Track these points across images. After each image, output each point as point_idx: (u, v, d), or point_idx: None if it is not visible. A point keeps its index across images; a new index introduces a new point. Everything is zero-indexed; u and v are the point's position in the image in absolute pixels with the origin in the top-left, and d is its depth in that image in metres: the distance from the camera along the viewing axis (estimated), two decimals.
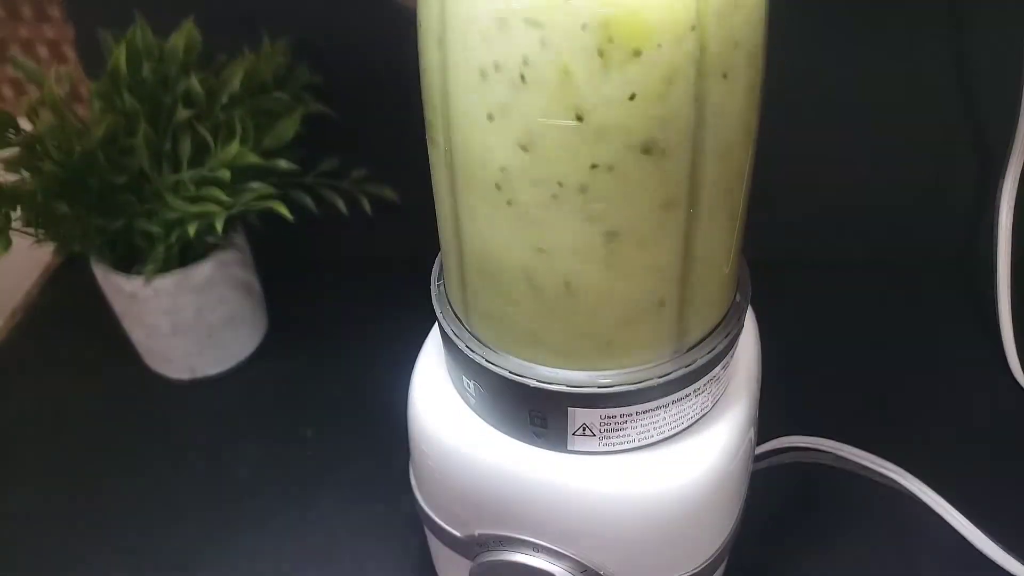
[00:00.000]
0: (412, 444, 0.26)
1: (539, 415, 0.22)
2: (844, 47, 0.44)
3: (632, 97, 0.17)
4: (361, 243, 0.53)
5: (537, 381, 0.21)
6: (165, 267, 0.42)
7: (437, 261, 0.25)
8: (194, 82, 0.39)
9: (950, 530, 0.37)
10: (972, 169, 0.48)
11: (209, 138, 0.39)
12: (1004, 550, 0.35)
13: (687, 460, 0.23)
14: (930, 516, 0.37)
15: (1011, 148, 0.43)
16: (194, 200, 0.39)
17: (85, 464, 0.43)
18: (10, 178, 0.38)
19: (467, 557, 0.26)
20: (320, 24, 0.45)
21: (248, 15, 0.44)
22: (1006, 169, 0.43)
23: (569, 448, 0.23)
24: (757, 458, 0.29)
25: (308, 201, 0.46)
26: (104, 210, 0.39)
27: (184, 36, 0.39)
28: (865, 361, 0.46)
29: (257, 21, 0.44)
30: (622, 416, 0.22)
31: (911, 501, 0.38)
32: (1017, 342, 0.44)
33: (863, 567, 0.36)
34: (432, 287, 0.24)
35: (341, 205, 0.47)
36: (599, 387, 0.21)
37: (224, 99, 0.40)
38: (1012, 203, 0.44)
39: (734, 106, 0.18)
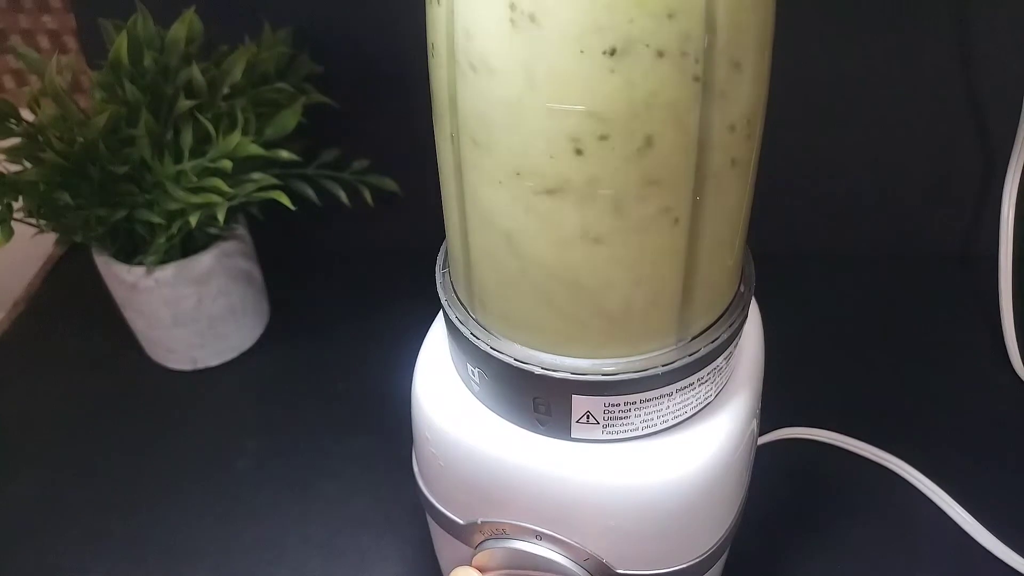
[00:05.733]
0: (415, 431, 0.26)
1: (543, 402, 0.22)
2: (850, 43, 0.44)
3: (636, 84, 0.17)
4: (363, 233, 0.53)
5: (541, 368, 0.21)
6: (166, 257, 0.42)
7: (442, 249, 0.25)
8: (196, 72, 0.39)
9: (950, 522, 0.37)
10: (976, 164, 0.48)
11: (211, 128, 0.39)
12: (1002, 542, 0.35)
13: (690, 450, 0.23)
14: (930, 508, 0.37)
15: (1015, 144, 0.43)
16: (196, 190, 0.39)
17: (87, 455, 0.43)
18: (12, 168, 0.38)
19: (469, 545, 0.26)
20: (321, 14, 0.45)
21: (249, 5, 0.44)
22: (1010, 164, 0.43)
23: (572, 436, 0.23)
24: (759, 449, 0.29)
25: (310, 192, 0.46)
26: (106, 200, 0.39)
27: (185, 26, 0.39)
28: (868, 354, 0.46)
29: (258, 11, 0.44)
30: (625, 404, 0.22)
31: (912, 493, 0.38)
32: (1018, 336, 0.44)
33: (864, 558, 0.36)
34: (437, 274, 0.24)
35: (343, 196, 0.47)
36: (603, 374, 0.21)
37: (226, 89, 0.40)
38: (1015, 198, 0.44)
39: (741, 85, 0.18)
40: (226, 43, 0.43)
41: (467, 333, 0.23)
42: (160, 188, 0.39)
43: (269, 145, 0.41)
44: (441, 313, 0.24)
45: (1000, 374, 0.44)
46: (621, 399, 0.22)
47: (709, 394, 0.24)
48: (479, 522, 0.25)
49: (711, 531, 0.26)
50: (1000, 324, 0.45)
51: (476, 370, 0.23)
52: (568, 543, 0.24)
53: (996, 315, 0.45)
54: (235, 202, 0.40)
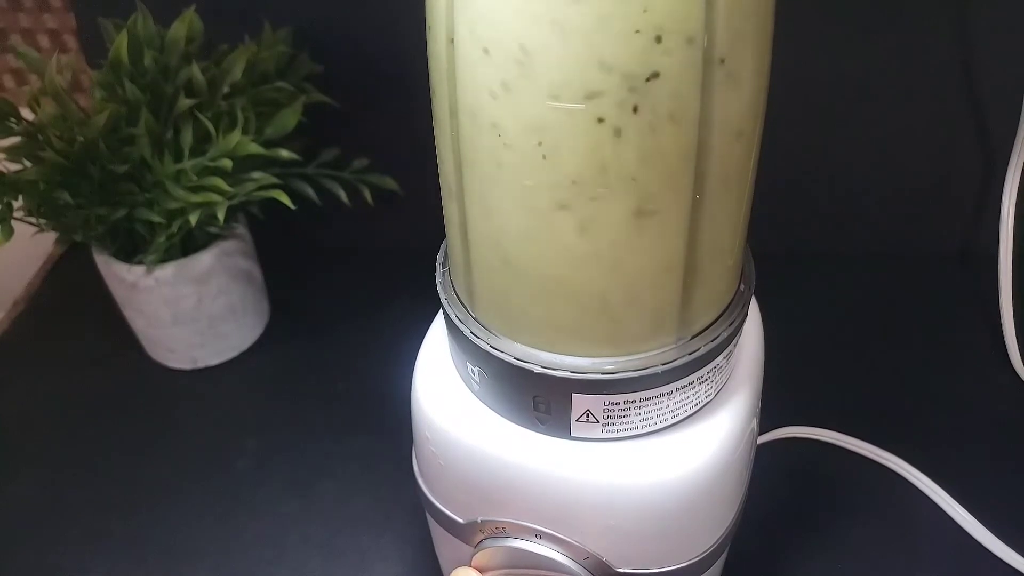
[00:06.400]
0: (415, 430, 0.26)
1: (542, 401, 0.22)
2: (850, 43, 0.44)
3: (650, 77, 0.17)
4: (363, 233, 0.53)
5: (541, 367, 0.21)
6: (166, 257, 0.42)
7: (442, 248, 0.25)
8: (196, 71, 0.39)
9: (950, 521, 0.37)
10: (976, 163, 0.48)
11: (211, 127, 0.39)
12: (1002, 541, 0.36)
13: (689, 449, 0.23)
14: (930, 507, 0.37)
15: (1015, 144, 0.43)
16: (196, 189, 0.39)
17: (87, 454, 0.43)
18: (12, 167, 0.38)
19: (469, 543, 0.26)
20: (321, 14, 0.45)
21: (249, 4, 0.44)
22: (1010, 164, 0.43)
23: (572, 435, 0.23)
24: (759, 448, 0.29)
25: (310, 191, 0.46)
26: (106, 199, 0.39)
27: (185, 25, 0.39)
28: (868, 353, 0.46)
29: (258, 10, 0.44)
30: (625, 403, 0.22)
31: (912, 492, 0.38)
32: (1018, 336, 0.44)
33: (864, 557, 0.36)
34: (437, 273, 0.24)
35: (343, 195, 0.47)
36: (602, 373, 0.21)
37: (226, 88, 0.40)
38: (1015, 198, 0.44)
39: (741, 84, 0.18)
40: (226, 42, 0.43)
41: (467, 332, 0.23)
42: (160, 187, 0.39)
43: (269, 144, 0.41)
44: (441, 312, 0.24)
45: (1000, 374, 0.44)
46: (621, 398, 0.22)
47: (709, 393, 0.24)
48: (479, 521, 0.25)
49: (711, 530, 0.26)
50: (1000, 324, 0.45)
51: (476, 369, 0.23)
52: (568, 542, 0.24)
53: (996, 315, 0.45)
54: (235, 201, 0.40)
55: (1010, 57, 0.44)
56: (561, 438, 0.23)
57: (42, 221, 0.39)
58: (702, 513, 0.25)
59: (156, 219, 0.39)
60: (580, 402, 0.22)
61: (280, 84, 0.42)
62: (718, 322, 0.23)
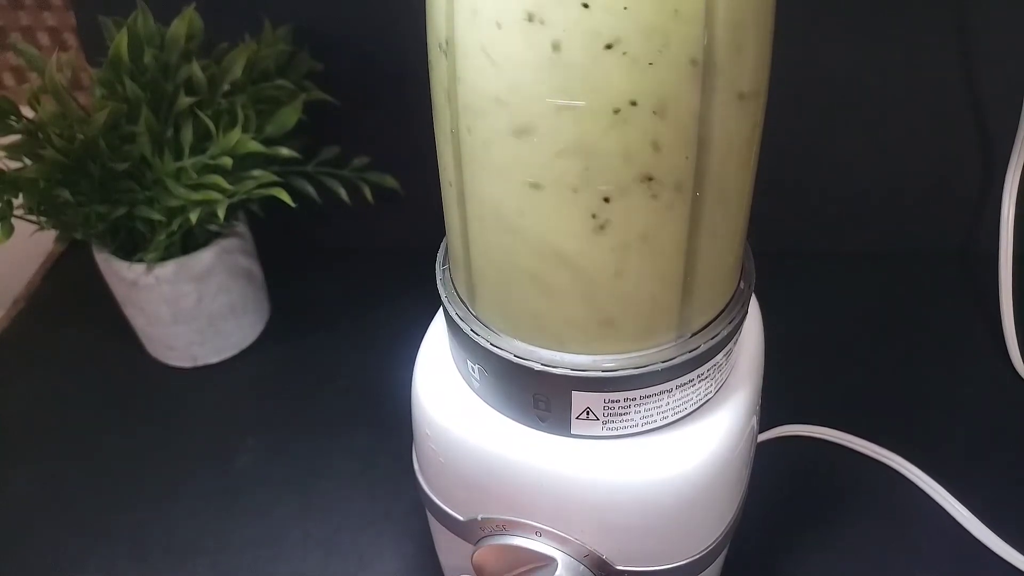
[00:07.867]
0: (415, 428, 0.26)
1: (543, 399, 0.22)
2: (851, 40, 0.44)
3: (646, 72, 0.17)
4: (363, 231, 0.53)
5: (541, 364, 0.21)
6: (166, 255, 0.42)
7: (442, 246, 0.25)
8: (196, 69, 0.39)
9: (950, 520, 0.37)
10: (976, 162, 0.48)
11: (211, 125, 0.39)
12: (1001, 538, 0.36)
13: (689, 446, 0.23)
14: (930, 505, 0.38)
15: (1015, 143, 0.43)
16: (196, 187, 0.39)
17: (86, 453, 0.43)
18: (12, 165, 0.38)
19: (469, 541, 0.26)
20: (322, 12, 0.45)
21: (249, 2, 0.44)
22: (1010, 164, 0.43)
23: (572, 432, 0.23)
24: (759, 446, 0.29)
25: (310, 189, 0.46)
26: (106, 197, 0.39)
27: (186, 23, 0.39)
28: (868, 351, 0.46)
29: (258, 8, 0.44)
30: (625, 400, 0.22)
31: (912, 490, 0.38)
32: (1019, 334, 0.44)
33: (864, 556, 0.36)
34: (437, 271, 0.24)
35: (343, 193, 0.47)
36: (603, 371, 0.21)
37: (226, 86, 0.40)
38: (1015, 197, 0.44)
39: (742, 78, 0.18)
40: (226, 40, 0.43)
41: (467, 330, 0.23)
42: (160, 185, 0.39)
43: (269, 142, 0.41)
44: (441, 310, 0.24)
45: (1000, 372, 0.44)
46: (621, 395, 0.22)
47: (709, 391, 0.24)
48: (479, 518, 0.25)
49: (711, 528, 0.26)
50: (1000, 323, 0.45)
51: (476, 367, 0.23)
52: (568, 539, 0.24)
53: (996, 313, 0.45)
54: (235, 199, 0.40)
55: (1010, 57, 0.44)
56: (561, 435, 0.23)
57: (42, 219, 0.39)
58: (702, 511, 0.25)
59: (156, 217, 0.39)
60: (580, 400, 0.22)
61: (280, 82, 0.42)
62: (718, 320, 0.23)
